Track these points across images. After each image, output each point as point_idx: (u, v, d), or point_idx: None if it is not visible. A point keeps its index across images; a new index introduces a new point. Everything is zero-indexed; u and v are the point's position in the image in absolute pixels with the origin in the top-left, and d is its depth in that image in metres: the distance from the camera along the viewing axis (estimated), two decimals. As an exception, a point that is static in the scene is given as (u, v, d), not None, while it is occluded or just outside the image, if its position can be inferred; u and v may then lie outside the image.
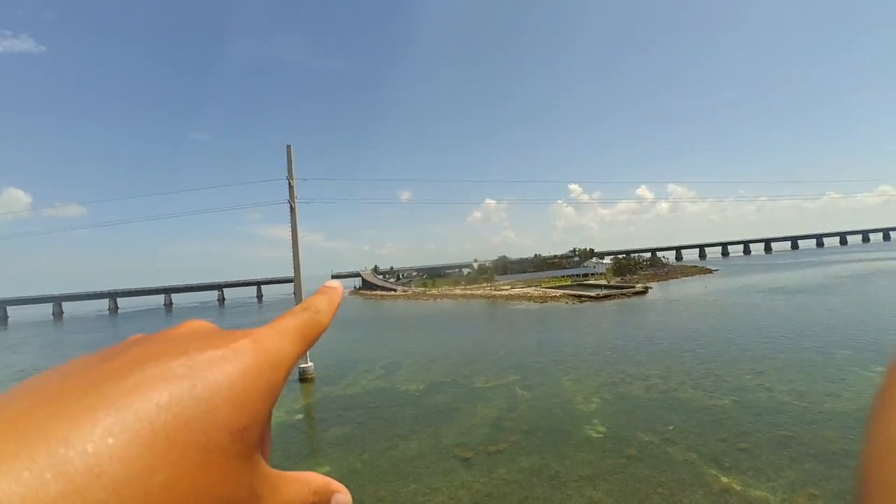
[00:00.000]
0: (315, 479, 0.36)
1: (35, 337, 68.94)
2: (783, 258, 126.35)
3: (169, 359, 0.26)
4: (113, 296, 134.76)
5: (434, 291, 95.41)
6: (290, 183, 27.11)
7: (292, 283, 29.98)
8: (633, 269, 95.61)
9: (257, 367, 0.30)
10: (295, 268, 27.67)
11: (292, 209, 27.16)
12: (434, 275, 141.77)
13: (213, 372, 0.27)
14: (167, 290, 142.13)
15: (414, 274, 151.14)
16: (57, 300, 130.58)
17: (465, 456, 14.14)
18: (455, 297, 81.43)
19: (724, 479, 11.61)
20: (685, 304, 46.81)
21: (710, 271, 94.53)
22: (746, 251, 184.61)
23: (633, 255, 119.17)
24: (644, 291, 61.45)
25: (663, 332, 32.16)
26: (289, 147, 27.59)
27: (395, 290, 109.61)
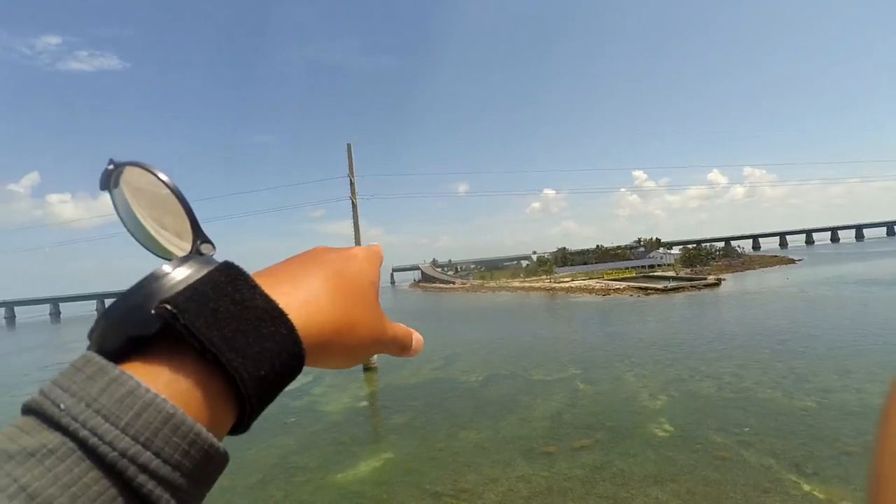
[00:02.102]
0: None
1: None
2: (878, 246, 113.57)
3: (331, 252, 0.50)
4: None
5: (492, 284, 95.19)
6: (350, 180, 28.04)
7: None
8: (705, 260, 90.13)
9: (368, 255, 0.54)
10: (357, 261, 28.64)
11: (354, 206, 28.09)
12: (492, 267, 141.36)
13: (354, 256, 0.51)
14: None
15: (472, 267, 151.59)
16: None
17: (525, 449, 14.13)
18: (513, 289, 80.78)
19: (806, 487, 10.80)
20: (764, 297, 43.52)
21: (792, 261, 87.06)
22: (834, 238, 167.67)
23: (704, 244, 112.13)
24: (717, 283, 57.75)
25: (738, 327, 30.16)
26: (349, 145, 28.51)
27: (453, 283, 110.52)
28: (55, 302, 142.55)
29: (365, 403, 21.15)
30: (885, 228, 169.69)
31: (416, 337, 0.58)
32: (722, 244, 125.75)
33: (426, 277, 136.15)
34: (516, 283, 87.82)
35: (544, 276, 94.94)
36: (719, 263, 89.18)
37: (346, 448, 15.63)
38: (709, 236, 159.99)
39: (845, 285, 46.07)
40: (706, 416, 15.68)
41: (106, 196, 0.44)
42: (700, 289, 55.08)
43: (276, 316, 0.38)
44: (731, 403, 16.68)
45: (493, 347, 30.71)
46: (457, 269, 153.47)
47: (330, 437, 16.90)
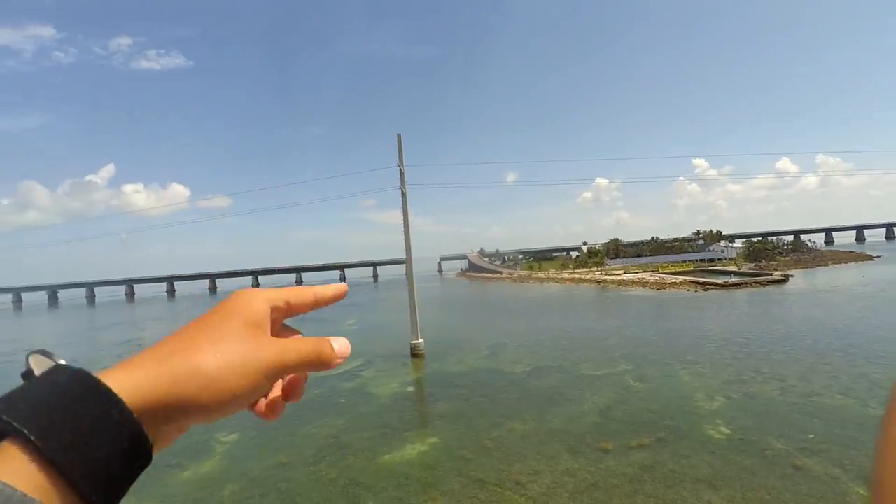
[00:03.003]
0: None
1: (194, 307, 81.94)
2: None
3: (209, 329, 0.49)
4: (254, 274, 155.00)
5: (540, 275, 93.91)
6: (400, 170, 28.43)
7: (404, 265, 31.74)
8: (771, 255, 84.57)
9: (245, 299, 0.54)
10: (406, 250, 29.17)
11: (403, 195, 28.50)
12: (540, 258, 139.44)
13: (223, 306, 0.52)
14: (298, 270, 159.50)
15: (520, 257, 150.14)
16: (211, 277, 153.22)
17: (571, 443, 14.00)
18: (562, 281, 79.34)
19: (880, 501, 10.07)
20: (836, 296, 40.36)
21: (869, 258, 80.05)
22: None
23: (770, 238, 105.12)
24: (784, 280, 54.15)
25: (807, 327, 28.22)
26: (399, 136, 28.86)
27: (500, 273, 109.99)
28: (129, 283, 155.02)
29: (412, 389, 21.63)
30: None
31: (338, 343, 0.55)
32: (790, 238, 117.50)
33: (473, 267, 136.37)
34: (565, 275, 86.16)
35: (595, 268, 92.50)
36: (787, 259, 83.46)
37: (394, 431, 16.10)
38: (775, 229, 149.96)
39: (935, 286, 41.85)
40: (767, 420, 14.88)
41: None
42: (765, 285, 51.85)
43: (99, 398, 0.40)
44: (796, 408, 15.71)
45: (540, 339, 30.43)
46: (504, 259, 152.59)
47: (378, 419, 17.46)
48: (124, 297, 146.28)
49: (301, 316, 0.63)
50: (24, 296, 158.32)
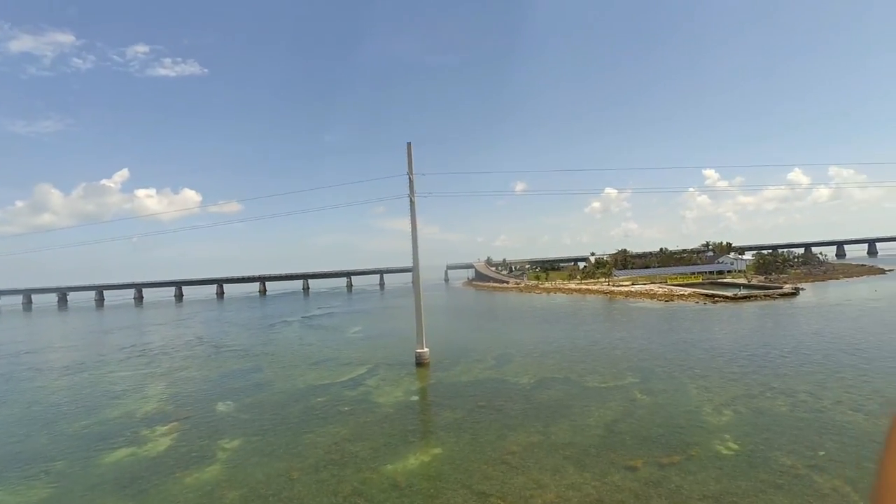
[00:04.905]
0: None
1: (201, 312, 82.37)
2: None
3: None
4: (263, 280, 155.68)
5: (547, 285, 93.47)
6: (409, 178, 28.59)
7: (410, 273, 31.74)
8: (781, 268, 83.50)
9: None
10: (414, 258, 29.20)
11: (412, 203, 28.62)
12: (547, 268, 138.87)
13: None
14: (305, 276, 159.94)
15: (527, 266, 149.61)
16: (219, 282, 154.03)
17: (576, 456, 13.83)
18: (569, 291, 78.91)
19: (892, 522, 9.81)
20: (848, 310, 39.74)
21: (882, 271, 78.92)
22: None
23: (780, 250, 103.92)
24: (794, 293, 53.49)
25: (817, 341, 27.79)
26: (409, 144, 29.08)
27: (507, 283, 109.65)
28: (138, 287, 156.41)
29: (416, 398, 21.52)
30: None
31: None
32: (801, 251, 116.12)
33: (480, 276, 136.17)
34: (572, 285, 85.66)
35: (602, 279, 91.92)
36: (797, 271, 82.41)
37: (397, 440, 16.00)
38: (786, 241, 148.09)
39: (949, 301, 41.09)
40: (776, 435, 14.61)
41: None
42: (774, 298, 51.23)
43: None
44: (806, 424, 15.43)
45: (546, 350, 30.21)
46: (511, 268, 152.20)
47: (381, 428, 17.38)
48: (133, 300, 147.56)
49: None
50: (34, 297, 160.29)
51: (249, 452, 15.81)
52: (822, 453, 13.10)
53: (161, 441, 17.48)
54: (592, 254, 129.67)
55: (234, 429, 18.45)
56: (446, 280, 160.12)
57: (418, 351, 28.05)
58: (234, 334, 48.00)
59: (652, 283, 79.45)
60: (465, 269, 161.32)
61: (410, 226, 29.06)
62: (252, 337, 45.26)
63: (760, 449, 13.62)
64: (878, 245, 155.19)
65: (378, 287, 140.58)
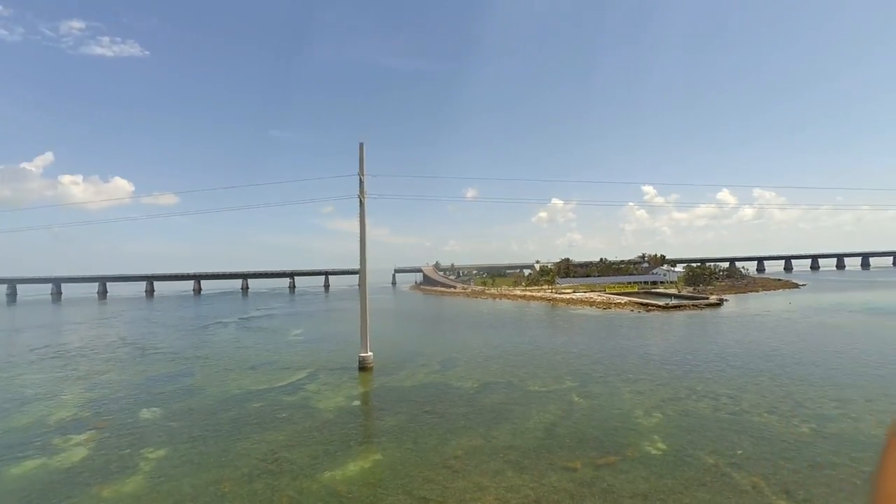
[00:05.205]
0: None
1: (127, 311, 76.77)
2: (884, 275, 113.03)
3: None
4: (197, 278, 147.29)
5: (493, 291, 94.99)
6: (360, 179, 28.12)
7: (357, 275, 31.17)
8: (708, 280, 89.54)
9: None
10: (361, 260, 28.70)
11: (361, 204, 28.16)
12: (494, 274, 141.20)
13: None
14: (245, 276, 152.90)
15: (474, 272, 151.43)
16: (149, 279, 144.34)
17: (516, 459, 14.04)
18: (514, 297, 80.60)
19: (798, 514, 10.67)
20: (765, 320, 43.23)
21: (796, 286, 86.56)
22: (840, 265, 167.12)
23: (708, 264, 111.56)
24: (719, 304, 57.50)
25: (738, 348, 29.97)
26: (361, 145, 28.64)
27: (454, 288, 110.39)
28: (57, 282, 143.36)
29: (358, 403, 21.08)
30: (891, 258, 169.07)
31: None
32: (726, 264, 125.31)
33: (428, 280, 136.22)
34: (517, 292, 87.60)
35: (546, 286, 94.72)
36: (722, 284, 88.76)
37: (337, 447, 15.57)
38: (713, 256, 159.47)
39: (849, 313, 45.73)
40: (700, 436, 15.56)
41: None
42: (701, 308, 54.83)
43: None
44: (726, 425, 16.54)
45: (490, 355, 30.60)
46: (459, 273, 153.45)
47: (320, 434, 16.85)
48: (50, 296, 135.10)
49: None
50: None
51: (176, 463, 14.82)
52: (740, 452, 14.07)
53: (76, 451, 16.04)
54: (537, 262, 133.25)
55: (159, 437, 17.25)
56: (394, 283, 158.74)
57: (362, 355, 27.54)
58: (164, 336, 45.06)
59: (592, 291, 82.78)
60: (414, 273, 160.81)
61: (359, 227, 28.58)
62: (183, 339, 42.65)
63: (686, 449, 14.44)
64: (794, 262, 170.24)
65: (323, 289, 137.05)
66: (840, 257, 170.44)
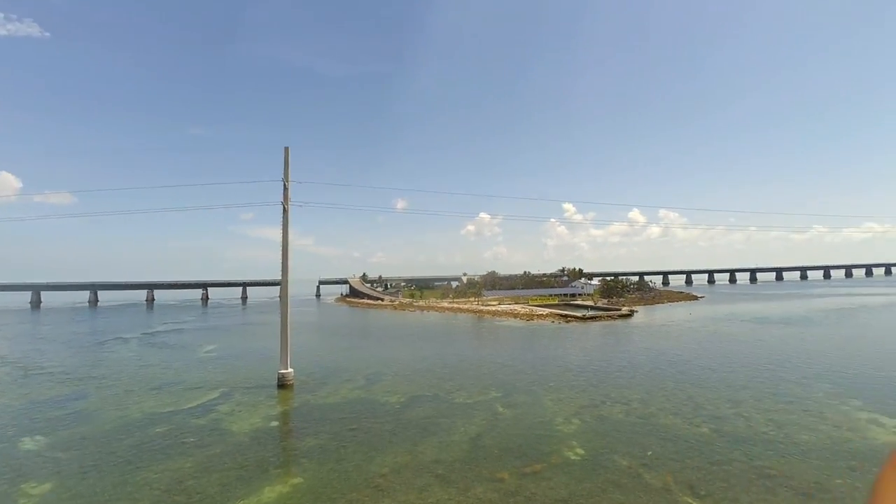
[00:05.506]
0: None
1: (7, 325, 67.12)
2: (768, 288, 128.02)
3: None
4: (94, 288, 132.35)
5: (421, 303, 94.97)
6: (285, 184, 26.93)
7: (278, 287, 29.60)
8: (621, 292, 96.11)
9: None
10: (283, 270, 27.36)
11: (285, 211, 26.94)
12: (422, 286, 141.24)
13: None
14: (151, 286, 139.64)
15: (402, 284, 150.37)
16: (36, 289, 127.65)
17: (442, 473, 13.92)
18: (442, 309, 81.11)
19: (700, 509, 11.53)
20: (669, 329, 47.05)
21: (695, 298, 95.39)
22: (732, 279, 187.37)
23: (621, 277, 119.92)
24: (630, 314, 61.76)
25: (646, 356, 32.25)
26: (286, 149, 27.47)
27: (382, 300, 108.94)
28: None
29: (276, 423, 19.87)
30: (774, 273, 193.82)
31: None
32: (637, 278, 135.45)
33: (354, 292, 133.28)
34: (445, 304, 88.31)
35: (473, 298, 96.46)
36: (633, 296, 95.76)
37: (251, 472, 14.50)
38: (626, 270, 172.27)
39: (741, 322, 51.09)
40: (614, 440, 16.42)
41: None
42: (615, 319, 58.58)
43: None
44: (638, 428, 17.63)
45: (417, 368, 30.36)
46: (387, 285, 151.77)
47: (233, 459, 15.63)
48: None
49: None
50: None
51: (64, 498, 13.02)
52: (650, 453, 15.02)
53: (-76, 495, 13.55)
54: (465, 274, 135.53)
55: (44, 470, 15.10)
56: (318, 295, 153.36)
57: (281, 372, 26.12)
58: (52, 354, 39.87)
59: (516, 303, 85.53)
60: (340, 285, 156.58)
61: (282, 235, 27.29)
62: (76, 357, 37.98)
63: (602, 452, 15.16)
64: (693, 276, 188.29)
65: (240, 301, 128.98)
66: (732, 272, 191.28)
